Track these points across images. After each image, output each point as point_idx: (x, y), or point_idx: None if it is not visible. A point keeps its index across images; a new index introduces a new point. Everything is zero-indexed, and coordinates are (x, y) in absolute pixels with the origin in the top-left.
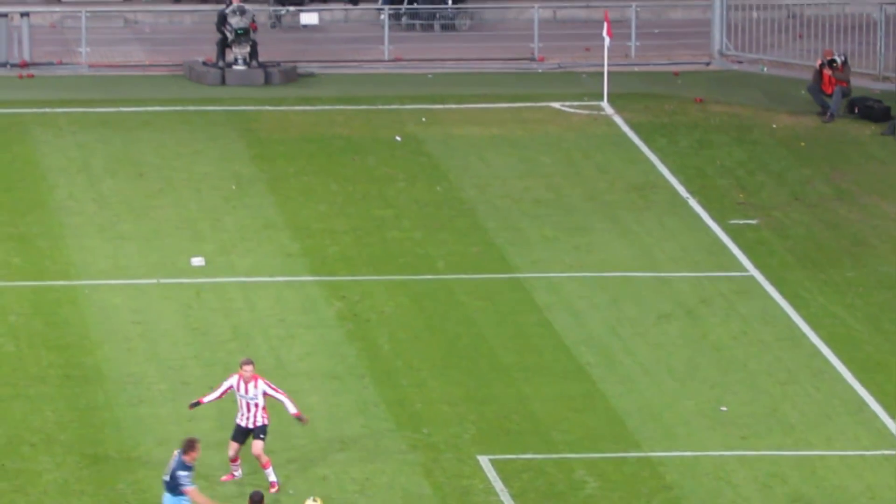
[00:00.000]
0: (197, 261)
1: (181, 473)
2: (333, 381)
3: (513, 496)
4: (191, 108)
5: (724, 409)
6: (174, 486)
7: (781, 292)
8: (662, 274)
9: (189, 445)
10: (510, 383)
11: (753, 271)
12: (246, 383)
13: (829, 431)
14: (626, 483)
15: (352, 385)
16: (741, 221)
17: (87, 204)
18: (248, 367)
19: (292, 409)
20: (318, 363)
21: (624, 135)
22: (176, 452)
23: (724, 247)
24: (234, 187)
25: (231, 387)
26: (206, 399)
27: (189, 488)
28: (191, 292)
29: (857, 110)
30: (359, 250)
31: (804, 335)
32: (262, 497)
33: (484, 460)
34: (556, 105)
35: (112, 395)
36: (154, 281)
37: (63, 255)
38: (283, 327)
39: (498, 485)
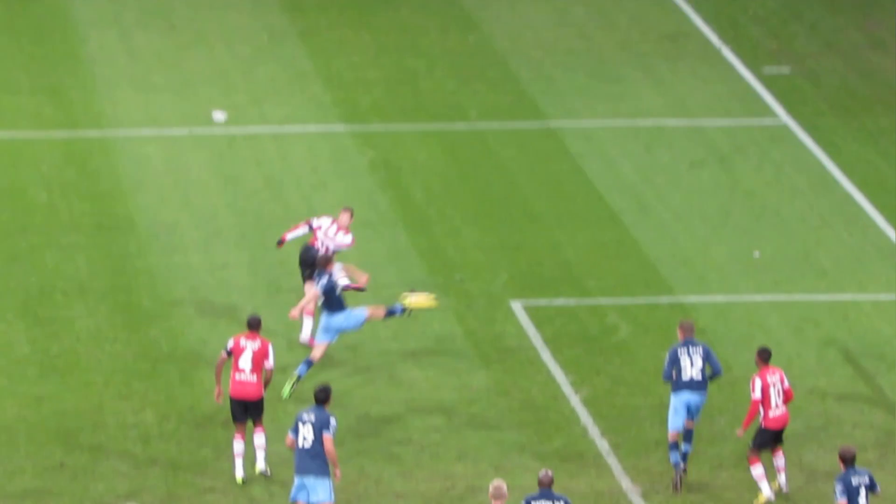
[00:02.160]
0: (218, 115)
1: (335, 282)
2: (366, 229)
3: (545, 341)
4: None
5: (757, 254)
6: (332, 303)
7: (814, 139)
8: (695, 122)
9: (325, 260)
10: (543, 230)
11: (786, 119)
12: (339, 229)
13: (861, 276)
14: (659, 328)
15: (384, 233)
16: (774, 69)
17: (118, 56)
18: (347, 216)
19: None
20: None
21: None
22: (316, 280)
23: (757, 94)
24: (265, 39)
25: (319, 227)
26: (289, 235)
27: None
28: (223, 142)
29: None
30: (391, 100)
31: (837, 181)
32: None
33: (517, 306)
34: None
35: (144, 243)
36: (186, 131)
37: (95, 105)
38: (316, 176)
39: (531, 330)
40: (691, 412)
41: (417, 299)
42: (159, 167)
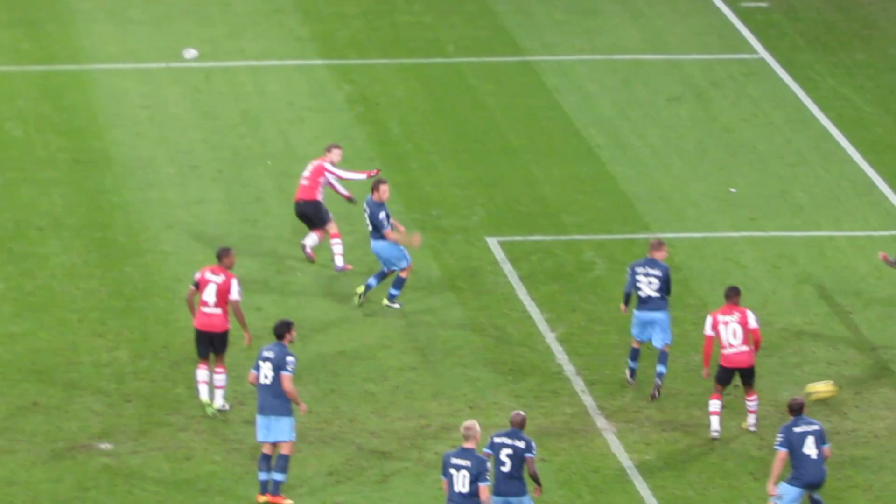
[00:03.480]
0: (189, 53)
1: (374, 213)
2: (343, 164)
3: (521, 278)
4: None
5: (734, 190)
6: (376, 228)
7: (791, 74)
8: (673, 56)
9: (378, 184)
10: (520, 166)
11: (764, 53)
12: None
13: (837, 212)
14: None
15: (361, 168)
16: (752, 4)
17: None
18: (339, 152)
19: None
20: None
21: None
22: (369, 213)
23: (735, 29)
24: None
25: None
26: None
27: (388, 230)
28: (200, 76)
29: None
30: (369, 34)
31: (814, 117)
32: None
33: (493, 242)
34: None
35: (120, 179)
36: (163, 65)
37: (72, 39)
38: (293, 111)
39: (506, 266)
40: (649, 331)
41: (822, 388)
42: (136, 102)
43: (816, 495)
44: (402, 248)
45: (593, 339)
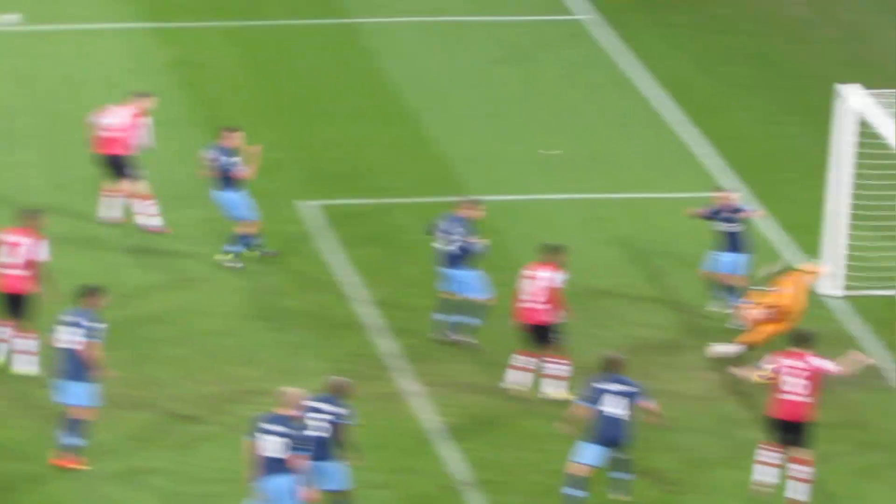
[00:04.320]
0: (8, 17)
1: (227, 160)
2: (163, 127)
3: (338, 241)
4: None
5: (554, 152)
6: (226, 178)
7: (614, 36)
8: (495, 18)
9: (224, 130)
10: (339, 129)
11: (587, 15)
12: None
13: (655, 174)
14: None
15: (181, 131)
16: None
17: None
18: (145, 100)
19: None
20: None
21: None
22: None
23: None
24: None
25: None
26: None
27: (240, 170)
28: (18, 40)
29: None
30: None
31: (636, 78)
32: None
33: (311, 205)
34: None
35: None
36: None
37: None
38: (113, 75)
39: (324, 230)
40: (456, 286)
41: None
42: None
43: (620, 471)
44: (246, 201)
45: (410, 303)
